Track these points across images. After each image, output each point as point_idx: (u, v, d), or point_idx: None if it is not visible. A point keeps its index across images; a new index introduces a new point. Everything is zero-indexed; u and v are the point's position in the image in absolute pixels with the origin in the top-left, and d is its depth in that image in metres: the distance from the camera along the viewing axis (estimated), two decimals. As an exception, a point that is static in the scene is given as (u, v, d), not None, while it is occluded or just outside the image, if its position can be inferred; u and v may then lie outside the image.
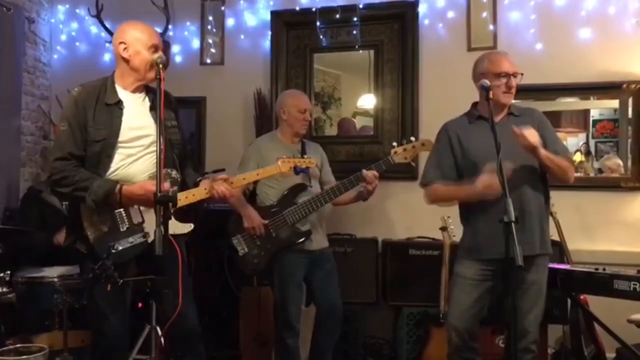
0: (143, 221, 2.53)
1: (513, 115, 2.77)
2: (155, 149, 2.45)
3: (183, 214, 2.58)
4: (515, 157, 2.58)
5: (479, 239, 2.73)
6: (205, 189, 2.60)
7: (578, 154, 4.46)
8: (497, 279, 2.71)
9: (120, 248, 2.43)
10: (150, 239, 2.48)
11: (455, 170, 2.80)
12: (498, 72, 2.69)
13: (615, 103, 4.11)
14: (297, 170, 3.00)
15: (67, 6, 4.88)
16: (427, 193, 2.88)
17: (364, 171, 3.15)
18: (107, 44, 4.57)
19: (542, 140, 2.63)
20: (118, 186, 2.44)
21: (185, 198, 2.53)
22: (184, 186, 2.65)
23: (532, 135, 2.53)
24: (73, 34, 4.88)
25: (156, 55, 2.43)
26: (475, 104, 2.88)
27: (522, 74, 2.76)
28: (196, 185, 2.67)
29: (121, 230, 2.49)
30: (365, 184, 3.15)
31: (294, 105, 3.35)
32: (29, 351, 2.48)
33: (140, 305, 3.29)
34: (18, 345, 2.55)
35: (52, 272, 3.33)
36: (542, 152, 2.56)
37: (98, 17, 4.41)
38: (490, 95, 2.53)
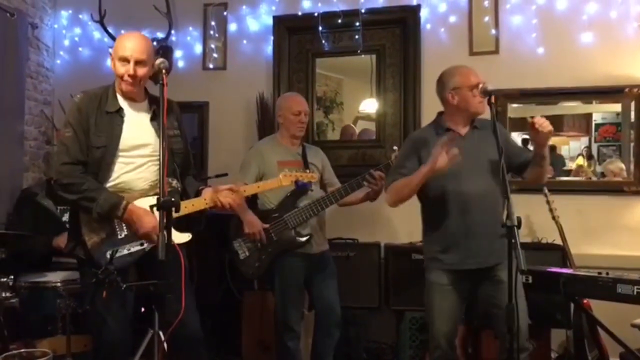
0: None
1: (476, 128, 2.82)
2: (156, 157, 2.46)
3: (182, 224, 2.58)
4: (482, 171, 2.70)
5: (452, 251, 2.75)
6: (205, 199, 2.59)
7: (580, 158, 4.45)
8: (471, 282, 2.76)
9: (118, 255, 2.43)
10: (147, 247, 2.49)
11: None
12: (473, 84, 2.73)
13: (617, 107, 4.10)
14: (298, 185, 3.00)
15: (70, 12, 4.91)
16: (388, 194, 2.85)
17: (371, 171, 3.17)
18: (109, 49, 4.56)
19: (511, 149, 2.78)
20: (124, 202, 2.44)
21: (184, 208, 2.51)
22: (184, 195, 2.65)
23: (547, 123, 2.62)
24: (76, 39, 4.90)
25: (159, 61, 2.42)
26: (440, 114, 2.94)
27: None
28: (198, 194, 2.67)
29: (119, 237, 2.49)
30: (373, 183, 3.16)
31: (287, 108, 3.37)
32: (32, 356, 2.47)
33: (143, 310, 3.29)
34: (22, 351, 2.54)
35: (55, 277, 3.34)
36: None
37: (101, 22, 4.41)
38: (492, 100, 2.54)
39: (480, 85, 2.64)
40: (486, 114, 2.75)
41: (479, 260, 2.70)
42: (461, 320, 2.95)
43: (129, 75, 2.48)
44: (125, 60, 2.49)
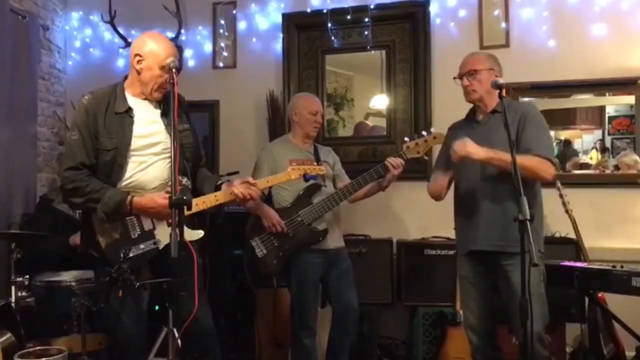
0: (154, 228, 2.54)
1: (497, 112, 2.79)
2: (167, 155, 2.46)
3: (193, 221, 2.59)
4: None
5: (461, 232, 2.90)
6: (215, 195, 2.60)
7: (594, 151, 4.42)
8: (489, 271, 2.78)
9: (130, 255, 2.44)
10: (161, 246, 2.50)
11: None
12: (460, 73, 2.88)
13: (631, 99, 4.05)
14: (307, 178, 2.99)
15: (81, 13, 4.94)
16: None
17: (389, 159, 3.16)
18: (120, 50, 4.61)
19: (518, 136, 2.69)
20: (129, 198, 2.45)
21: (195, 205, 2.50)
22: (195, 192, 2.65)
23: (460, 147, 2.64)
24: (87, 40, 4.93)
25: (169, 59, 2.42)
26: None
27: (472, 70, 2.83)
28: (218, 188, 2.65)
29: (132, 237, 2.50)
30: (392, 169, 3.14)
31: (305, 107, 3.38)
32: (47, 354, 2.50)
33: (157, 308, 3.31)
34: (37, 348, 2.58)
35: (70, 276, 3.36)
36: (482, 156, 2.62)
37: (111, 23, 4.45)
38: (503, 93, 2.51)
39: (493, 79, 2.62)
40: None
41: (481, 243, 2.75)
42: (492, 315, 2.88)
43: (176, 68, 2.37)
44: (166, 68, 2.39)
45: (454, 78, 2.89)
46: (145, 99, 2.58)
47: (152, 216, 2.51)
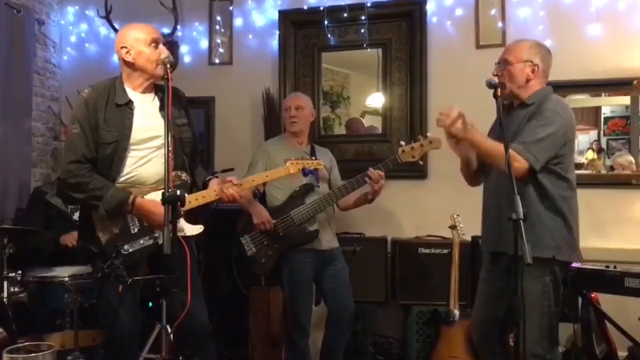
0: None
1: (525, 105, 2.61)
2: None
3: (193, 216, 2.58)
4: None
5: (482, 231, 2.78)
6: (215, 191, 2.59)
7: (590, 151, 4.42)
8: (509, 280, 2.59)
9: (130, 250, 2.43)
10: (160, 241, 2.48)
11: None
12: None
13: (626, 100, 4.07)
14: (305, 172, 2.99)
15: (77, 8, 4.92)
16: None
17: (370, 170, 3.14)
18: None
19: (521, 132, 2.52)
20: (131, 197, 2.44)
21: (195, 200, 2.53)
22: (194, 187, 2.65)
23: (442, 118, 2.49)
24: (82, 35, 4.91)
25: (164, 55, 2.43)
26: None
27: (503, 60, 2.64)
28: (205, 185, 2.67)
29: (132, 232, 2.49)
30: (372, 182, 3.14)
31: (282, 107, 3.46)
32: (37, 349, 2.49)
33: (150, 305, 3.30)
34: (27, 344, 2.57)
35: (63, 272, 3.35)
36: (460, 135, 2.45)
37: (107, 18, 4.43)
38: (499, 93, 2.48)
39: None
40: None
41: (493, 244, 2.64)
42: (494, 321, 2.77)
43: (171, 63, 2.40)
44: (156, 42, 2.50)
45: (496, 63, 2.66)
46: (144, 92, 2.58)
47: (149, 221, 2.48)
